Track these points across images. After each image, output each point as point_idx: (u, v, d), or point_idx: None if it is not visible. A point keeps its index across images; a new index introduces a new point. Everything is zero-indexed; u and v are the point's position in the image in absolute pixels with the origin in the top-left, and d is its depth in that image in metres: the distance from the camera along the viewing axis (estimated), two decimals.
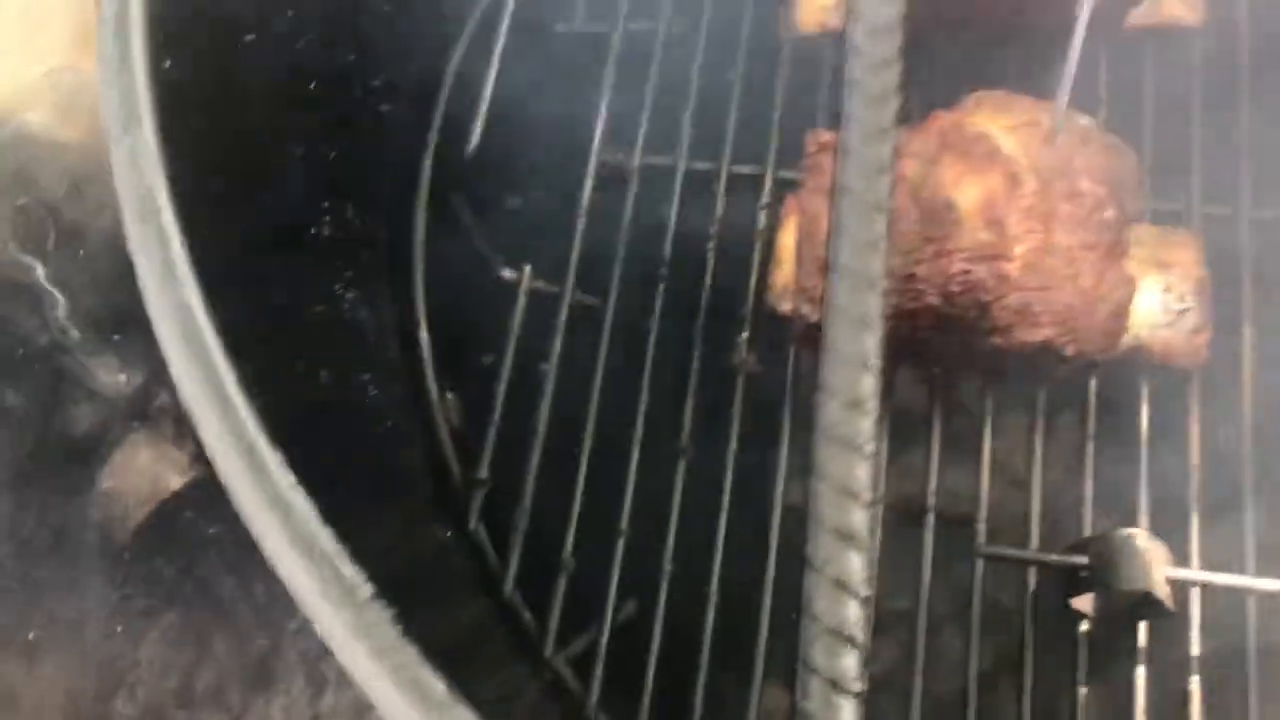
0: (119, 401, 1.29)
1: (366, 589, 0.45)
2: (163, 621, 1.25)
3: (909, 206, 0.81)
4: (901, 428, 0.94)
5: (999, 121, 0.87)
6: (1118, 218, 0.84)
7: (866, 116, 0.62)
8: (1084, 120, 0.89)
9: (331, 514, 0.51)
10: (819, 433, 0.54)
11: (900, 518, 0.94)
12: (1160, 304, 0.87)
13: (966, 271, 0.80)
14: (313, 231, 0.77)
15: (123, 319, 1.27)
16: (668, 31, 1.06)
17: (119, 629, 1.24)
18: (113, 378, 1.29)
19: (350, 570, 0.45)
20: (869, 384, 0.55)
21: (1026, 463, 0.89)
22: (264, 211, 0.69)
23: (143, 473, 1.29)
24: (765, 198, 1.01)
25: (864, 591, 0.50)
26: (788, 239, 0.94)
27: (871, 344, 0.56)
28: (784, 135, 1.01)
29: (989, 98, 0.90)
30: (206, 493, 1.30)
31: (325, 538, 0.46)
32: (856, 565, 0.50)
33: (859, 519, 0.52)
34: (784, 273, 0.93)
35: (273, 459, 0.47)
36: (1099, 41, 0.97)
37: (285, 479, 0.47)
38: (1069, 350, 0.82)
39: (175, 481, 1.30)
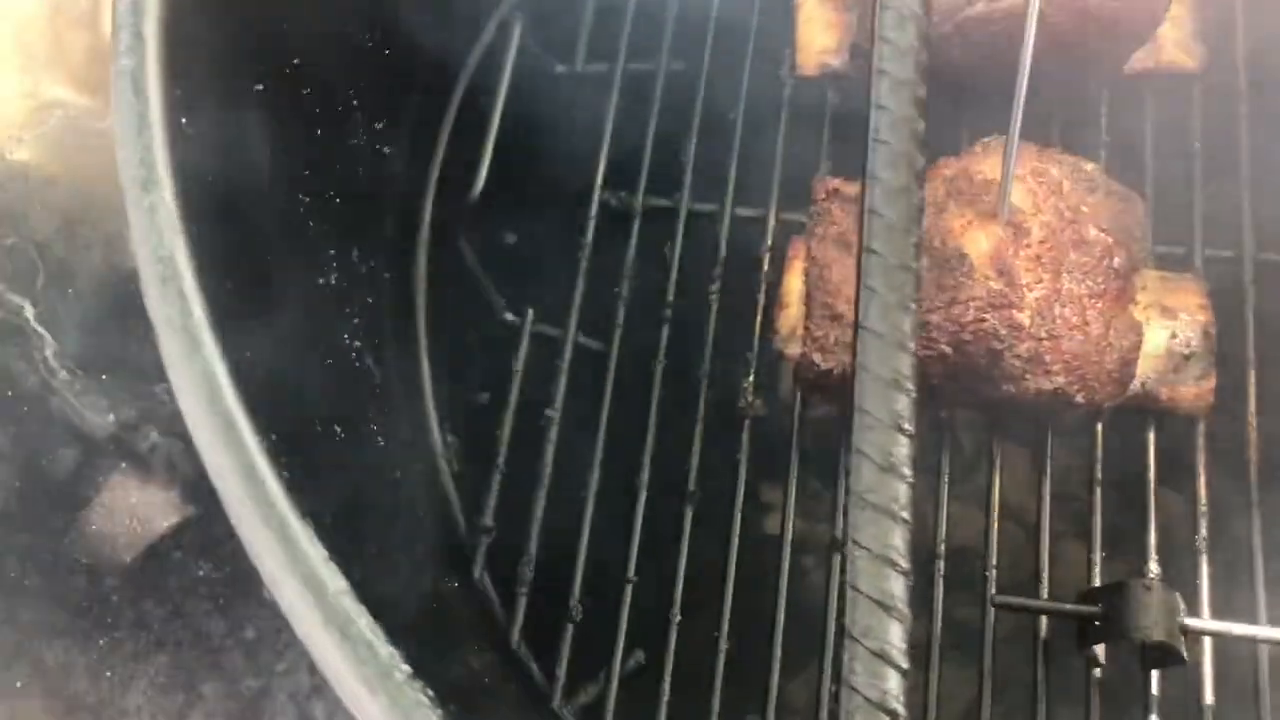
0: (107, 442, 1.27)
1: (404, 670, 0.44)
2: (152, 665, 1.23)
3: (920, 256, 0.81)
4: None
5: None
6: (1124, 264, 0.85)
7: (890, 177, 0.61)
8: (1089, 166, 0.90)
9: (358, 581, 0.50)
10: (853, 497, 0.54)
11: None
12: (1166, 350, 0.87)
13: (979, 320, 0.80)
14: (321, 281, 0.76)
15: (112, 359, 1.25)
16: (668, 72, 1.06)
17: (108, 674, 1.22)
18: (101, 418, 1.27)
19: (386, 650, 0.44)
20: (904, 446, 0.55)
21: (1035, 509, 0.89)
22: (279, 266, 0.68)
23: (131, 513, 1.27)
24: (768, 240, 1.00)
25: (903, 663, 0.49)
26: (794, 283, 0.94)
27: (904, 405, 0.56)
28: (786, 177, 1.01)
29: (995, 145, 0.90)
30: (196, 533, 1.28)
31: (360, 617, 0.45)
32: (896, 635, 0.50)
33: (898, 587, 0.51)
34: (790, 316, 0.93)
35: (303, 533, 0.46)
36: (1100, 87, 0.98)
37: (318, 553, 0.45)
38: (1079, 398, 0.82)
39: (164, 522, 1.28)
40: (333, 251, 0.79)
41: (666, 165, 1.03)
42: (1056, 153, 0.89)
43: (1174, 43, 0.96)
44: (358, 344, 0.80)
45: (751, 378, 0.95)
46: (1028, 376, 0.81)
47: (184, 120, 0.57)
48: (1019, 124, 0.78)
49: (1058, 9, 0.88)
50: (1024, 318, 0.80)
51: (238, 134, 0.64)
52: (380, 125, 0.92)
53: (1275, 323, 0.92)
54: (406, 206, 0.97)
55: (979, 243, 0.81)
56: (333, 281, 0.79)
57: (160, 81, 0.55)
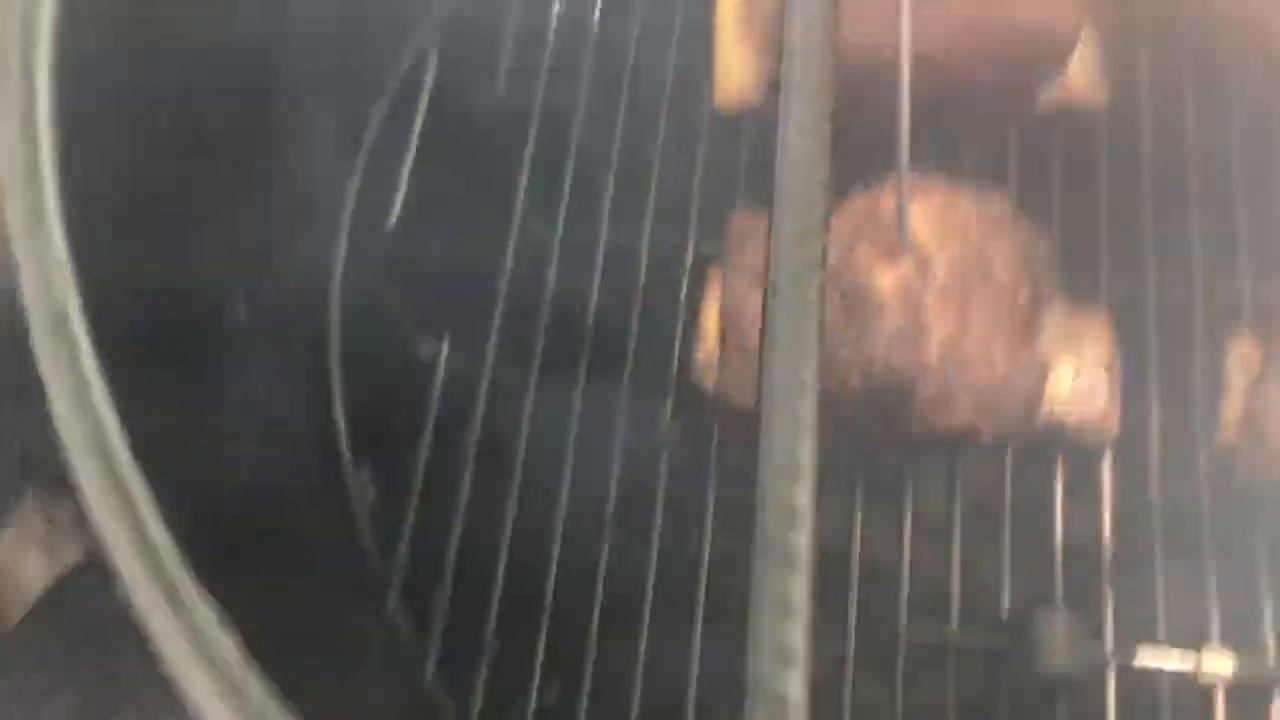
0: (10, 475, 1.23)
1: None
2: (59, 704, 1.19)
3: (830, 293, 0.82)
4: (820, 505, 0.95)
5: (916, 206, 0.89)
6: (1031, 300, 0.87)
7: (794, 221, 0.62)
8: (996, 201, 0.92)
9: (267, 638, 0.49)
10: (755, 548, 0.54)
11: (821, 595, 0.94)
12: (1071, 383, 0.89)
13: (888, 357, 0.81)
14: (226, 321, 0.74)
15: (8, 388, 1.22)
16: (587, 104, 1.06)
17: (11, 716, 1.18)
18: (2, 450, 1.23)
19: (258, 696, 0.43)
20: (804, 493, 0.55)
21: (945, 539, 0.90)
22: (180, 307, 0.66)
23: (37, 546, 1.24)
24: (687, 272, 1.01)
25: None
26: (712, 315, 0.94)
27: (806, 450, 0.56)
28: (704, 209, 1.02)
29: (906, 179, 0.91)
30: (106, 565, 1.25)
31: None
32: (796, 689, 0.50)
33: (798, 638, 0.51)
34: (708, 348, 0.93)
35: (196, 598, 0.45)
36: (1008, 123, 1.00)
37: (209, 617, 0.44)
38: (986, 434, 0.83)
39: (72, 554, 1.25)
40: (240, 287, 0.78)
41: (585, 196, 1.03)
42: (965, 188, 0.91)
43: (1081, 80, 0.98)
44: (265, 379, 0.78)
45: (669, 407, 0.96)
46: (936, 412, 0.82)
47: (77, 162, 0.55)
48: (906, 158, 0.80)
49: (965, 46, 0.89)
50: (931, 354, 0.81)
51: (133, 172, 0.63)
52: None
53: (1179, 351, 0.95)
54: (320, 235, 0.96)
55: (886, 279, 0.83)
56: (241, 317, 0.77)
57: (51, 124, 0.54)
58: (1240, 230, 0.96)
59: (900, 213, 0.81)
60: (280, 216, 0.90)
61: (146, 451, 0.52)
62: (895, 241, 0.84)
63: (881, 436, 0.87)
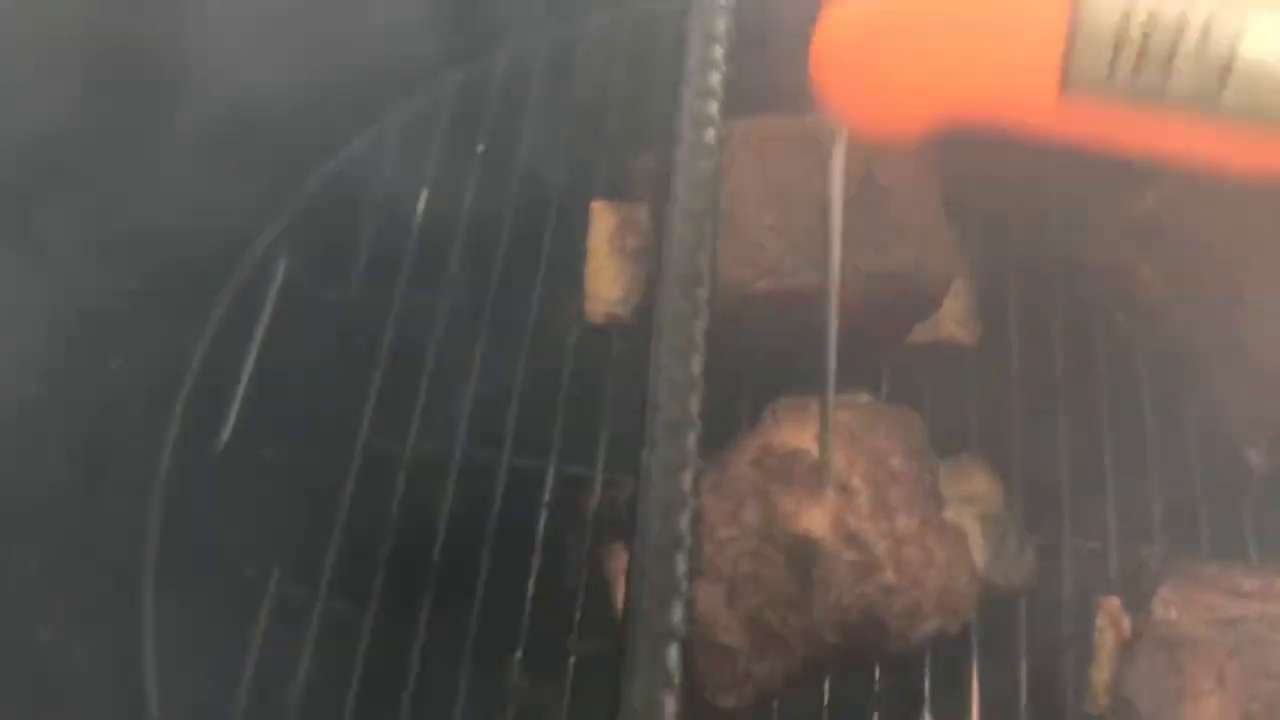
0: None
1: None
2: None
3: (771, 553, 0.80)
4: None
5: (806, 432, 0.86)
6: (929, 478, 0.85)
7: (661, 472, 0.57)
8: (864, 398, 0.90)
9: None
10: None
11: None
12: (984, 536, 0.87)
13: (857, 597, 0.79)
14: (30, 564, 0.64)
15: None
16: (450, 308, 1.00)
17: None
18: None
19: None
20: None
21: None
22: None
23: None
24: (547, 495, 0.94)
25: None
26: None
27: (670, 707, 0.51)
28: (568, 427, 0.96)
29: (782, 409, 0.88)
30: None
31: None
32: None
33: None
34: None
35: None
36: (879, 356, 0.98)
37: None
38: (954, 627, 0.82)
39: None
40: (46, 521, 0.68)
41: (441, 409, 0.96)
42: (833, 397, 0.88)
43: (952, 318, 0.97)
44: (56, 639, 0.68)
45: (519, 653, 0.88)
46: (909, 630, 0.80)
47: None
48: (832, 398, 0.77)
49: (844, 290, 0.87)
50: (889, 575, 0.79)
51: None
52: (116, 364, 0.82)
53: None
54: (140, 461, 0.86)
55: (819, 519, 0.80)
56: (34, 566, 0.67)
57: None
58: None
59: (824, 445, 0.80)
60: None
61: None
62: (809, 477, 0.81)
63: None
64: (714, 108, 0.64)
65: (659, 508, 0.54)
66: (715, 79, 0.65)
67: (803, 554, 0.79)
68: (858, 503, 0.82)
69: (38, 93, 0.76)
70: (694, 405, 0.58)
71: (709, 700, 0.79)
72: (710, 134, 0.63)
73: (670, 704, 0.51)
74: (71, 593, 0.73)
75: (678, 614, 0.56)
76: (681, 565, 0.54)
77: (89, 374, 0.80)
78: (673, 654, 0.51)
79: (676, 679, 0.51)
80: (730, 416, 0.93)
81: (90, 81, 0.80)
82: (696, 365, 0.61)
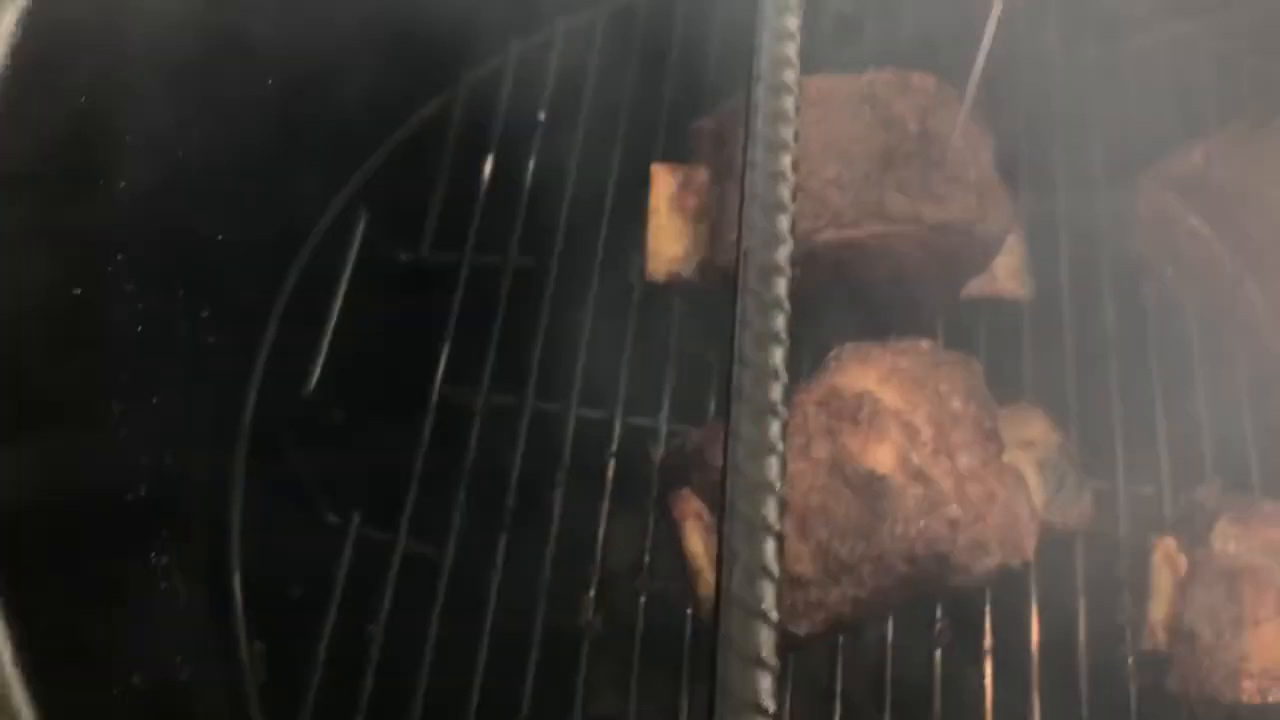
0: None
1: None
2: None
3: (840, 488, 0.82)
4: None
5: (869, 376, 0.88)
6: (990, 423, 0.87)
7: (751, 432, 0.59)
8: (924, 344, 0.92)
9: None
10: None
11: None
12: (1041, 479, 0.90)
13: (923, 529, 0.81)
14: (129, 497, 0.68)
15: None
16: (516, 267, 1.04)
17: None
18: None
19: None
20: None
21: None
22: (82, 485, 0.60)
23: None
24: (613, 445, 0.98)
25: None
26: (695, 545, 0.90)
27: (766, 684, 0.53)
28: (633, 380, 0.99)
29: (846, 354, 0.91)
30: None
31: None
32: None
33: None
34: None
35: None
36: (936, 310, 1.01)
37: None
38: (1015, 563, 0.84)
39: None
40: (145, 459, 0.72)
41: (512, 361, 1.00)
42: (895, 343, 0.91)
43: (1007, 272, 1.00)
44: (164, 560, 0.72)
45: (593, 592, 0.91)
46: (973, 564, 0.83)
47: None
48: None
49: (904, 241, 0.90)
50: (954, 510, 0.82)
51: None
52: (205, 314, 0.86)
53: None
54: (228, 400, 0.90)
55: (885, 457, 0.83)
56: (143, 493, 0.71)
57: None
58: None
59: None
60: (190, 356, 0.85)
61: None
62: (869, 417, 0.84)
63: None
64: (792, 50, 0.67)
65: (748, 454, 0.57)
66: (792, 23, 0.68)
67: (871, 489, 0.82)
68: (921, 442, 0.85)
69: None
70: (778, 358, 0.61)
71: (783, 628, 0.82)
72: (789, 75, 0.66)
73: (765, 681, 0.53)
74: (175, 524, 0.77)
75: (769, 554, 0.59)
76: (773, 509, 0.56)
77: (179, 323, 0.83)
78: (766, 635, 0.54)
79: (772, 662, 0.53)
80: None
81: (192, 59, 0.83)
82: (780, 321, 0.63)
